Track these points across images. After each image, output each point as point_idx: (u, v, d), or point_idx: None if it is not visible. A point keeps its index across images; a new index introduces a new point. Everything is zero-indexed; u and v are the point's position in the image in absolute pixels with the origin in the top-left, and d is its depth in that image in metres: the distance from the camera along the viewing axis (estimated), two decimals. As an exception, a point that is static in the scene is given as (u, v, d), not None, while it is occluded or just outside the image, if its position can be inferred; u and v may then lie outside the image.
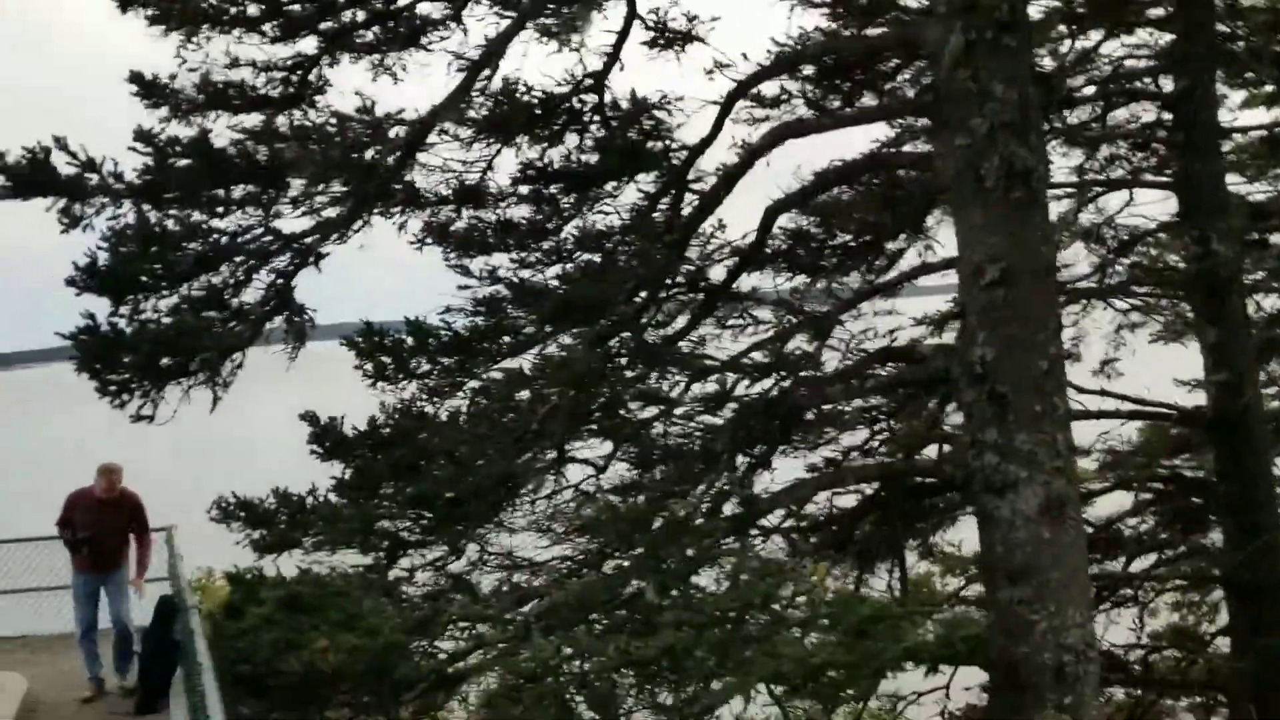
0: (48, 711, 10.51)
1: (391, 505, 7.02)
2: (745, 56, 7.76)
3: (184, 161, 6.37)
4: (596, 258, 8.91)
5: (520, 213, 9.40)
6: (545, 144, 8.92)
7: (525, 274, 8.30)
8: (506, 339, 8.52)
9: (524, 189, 9.13)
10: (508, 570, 7.51)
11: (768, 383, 7.03)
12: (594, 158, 8.74)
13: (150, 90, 7.32)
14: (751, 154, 7.20)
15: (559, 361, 6.71)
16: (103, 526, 10.70)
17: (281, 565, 9.14)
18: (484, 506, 6.62)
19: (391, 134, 6.86)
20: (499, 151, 8.46)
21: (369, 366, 8.23)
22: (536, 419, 6.74)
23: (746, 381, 6.94)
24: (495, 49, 7.17)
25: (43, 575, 14.54)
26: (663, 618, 5.22)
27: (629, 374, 7.11)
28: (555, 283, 8.77)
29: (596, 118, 8.57)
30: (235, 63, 7.29)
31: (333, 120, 6.88)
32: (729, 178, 7.44)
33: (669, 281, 7.68)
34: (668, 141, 7.91)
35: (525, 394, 7.15)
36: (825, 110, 7.96)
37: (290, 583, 6.55)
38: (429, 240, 9.17)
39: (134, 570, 10.94)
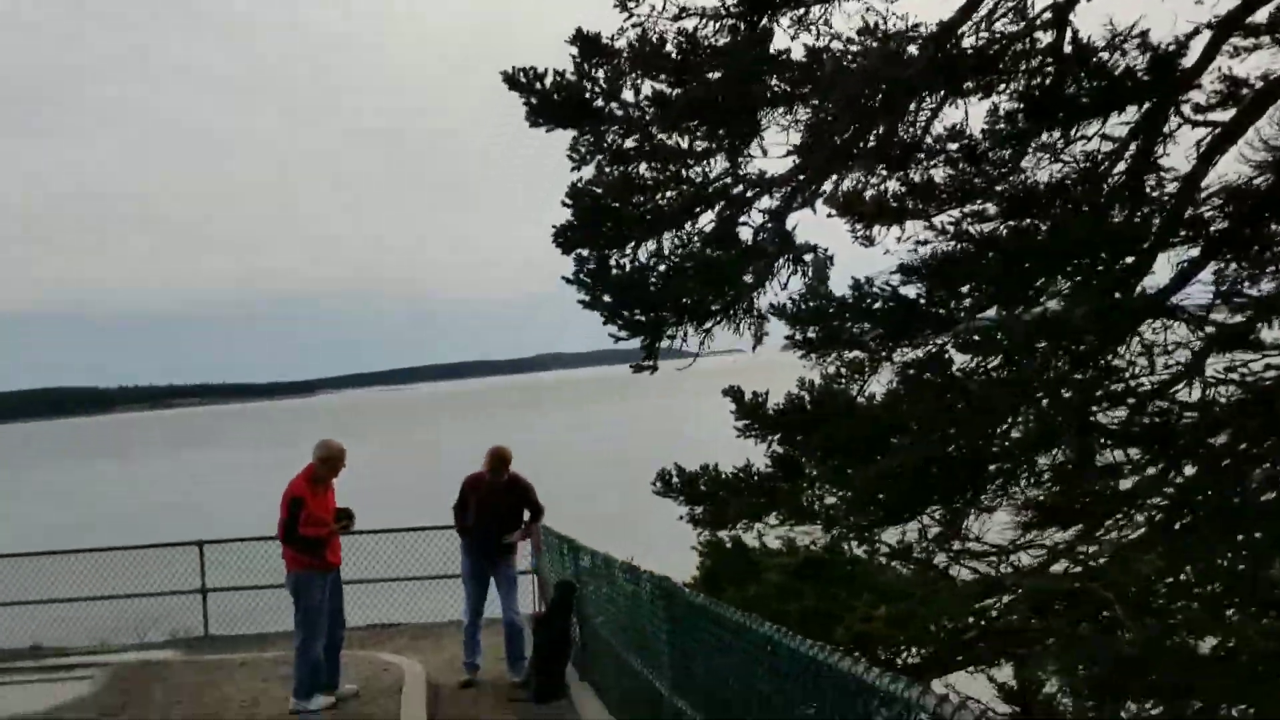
0: (447, 696, 10.66)
1: (854, 480, 6.42)
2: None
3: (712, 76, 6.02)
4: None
5: (939, 174, 8.70)
6: (980, 94, 8.18)
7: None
8: (943, 309, 7.79)
9: (952, 145, 8.40)
10: (973, 556, 6.73)
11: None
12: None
13: (592, 48, 7.09)
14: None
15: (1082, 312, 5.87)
16: (495, 509, 10.82)
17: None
18: (998, 473, 5.91)
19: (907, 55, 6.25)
20: (942, 102, 7.73)
21: (801, 336, 7.68)
22: (1047, 380, 5.95)
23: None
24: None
25: (415, 564, 15.12)
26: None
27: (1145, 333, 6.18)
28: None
29: (1050, 60, 7.71)
30: (682, 13, 6.92)
31: (839, 41, 6.33)
32: (1246, 113, 6.39)
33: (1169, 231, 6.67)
34: (1158, 73, 6.91)
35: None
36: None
37: (789, 552, 6.08)
38: (833, 213, 8.60)
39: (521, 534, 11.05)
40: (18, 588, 15.72)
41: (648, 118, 6.10)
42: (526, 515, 11.17)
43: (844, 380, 8.28)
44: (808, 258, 6.39)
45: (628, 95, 6.08)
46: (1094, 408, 5.98)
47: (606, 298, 6.08)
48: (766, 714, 4.36)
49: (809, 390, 8.21)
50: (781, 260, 6.36)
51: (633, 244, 6.25)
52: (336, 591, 10.45)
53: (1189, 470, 6.35)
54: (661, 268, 6.19)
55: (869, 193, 8.68)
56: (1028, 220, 8.15)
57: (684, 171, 6.27)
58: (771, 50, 6.56)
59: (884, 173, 8.28)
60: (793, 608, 5.21)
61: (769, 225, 6.32)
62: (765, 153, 6.41)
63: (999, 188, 8.06)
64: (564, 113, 6.09)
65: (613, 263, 6.24)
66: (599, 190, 6.39)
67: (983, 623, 5.54)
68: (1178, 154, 7.71)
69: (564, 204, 6.47)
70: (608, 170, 6.57)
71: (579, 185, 6.53)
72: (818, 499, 6.80)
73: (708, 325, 6.33)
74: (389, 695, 10.41)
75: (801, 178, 6.31)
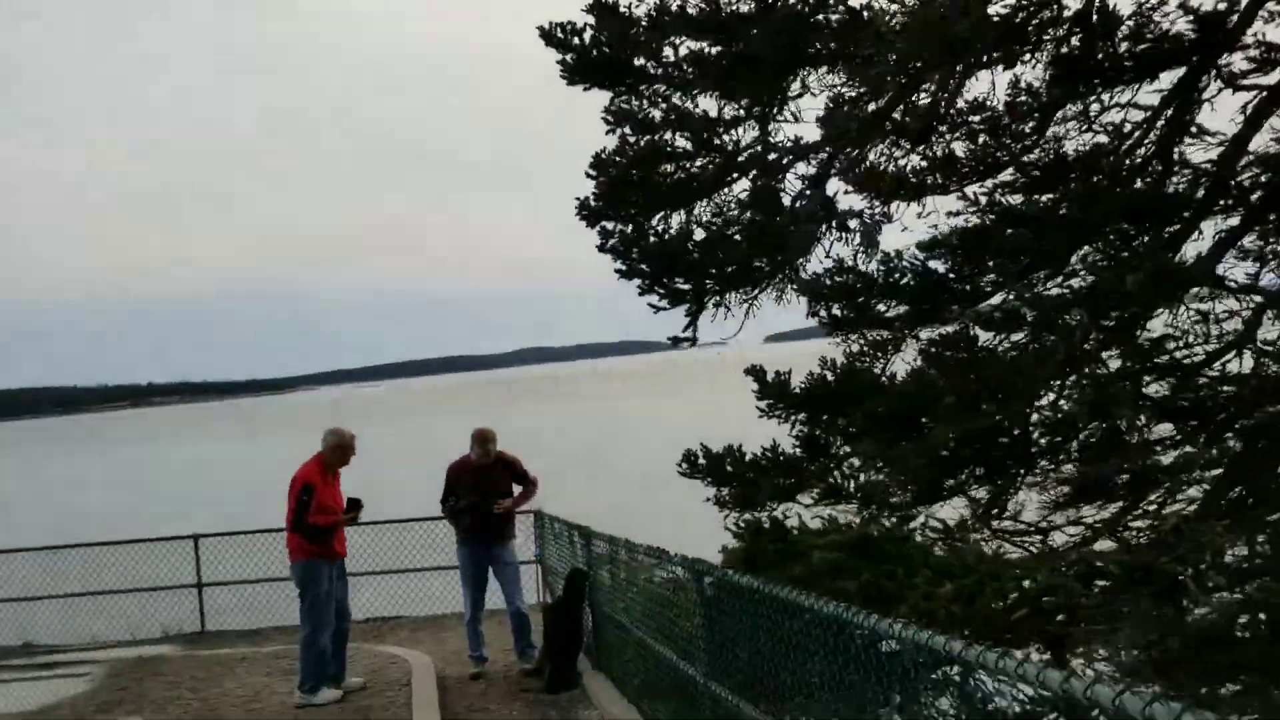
0: (455, 687, 10.40)
1: (892, 458, 6.22)
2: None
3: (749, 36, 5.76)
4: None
5: (960, 148, 8.51)
6: (1004, 64, 7.99)
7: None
8: (970, 284, 7.62)
9: (975, 118, 8.22)
10: (1009, 535, 6.55)
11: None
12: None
13: (609, 17, 6.83)
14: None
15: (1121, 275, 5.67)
16: (484, 491, 10.51)
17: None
18: (1049, 447, 5.72)
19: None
20: (966, 73, 7.53)
21: (825, 313, 7.49)
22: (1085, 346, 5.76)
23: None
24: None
25: (412, 556, 14.84)
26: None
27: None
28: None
29: (1076, 30, 7.53)
30: (700, -22, 6.67)
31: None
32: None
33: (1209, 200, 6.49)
34: (1204, 35, 6.71)
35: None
36: None
37: (835, 531, 5.87)
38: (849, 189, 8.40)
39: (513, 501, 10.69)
40: (7, 585, 15.37)
41: (689, 76, 5.85)
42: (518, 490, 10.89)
43: (867, 359, 8.09)
44: (853, 223, 6.17)
45: (667, 54, 5.82)
46: (1144, 379, 5.79)
47: (644, 266, 5.85)
48: (831, 696, 4.16)
49: (831, 369, 8.02)
50: (825, 226, 6.14)
51: (665, 213, 6.03)
52: (341, 583, 10.19)
53: (1232, 443, 6.19)
54: (699, 235, 5.97)
55: (889, 168, 8.50)
56: (1057, 192, 8.00)
57: (715, 139, 6.04)
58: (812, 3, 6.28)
59: (906, 145, 8.10)
60: (849, 586, 5.00)
61: (808, 192, 6.11)
62: (798, 118, 6.19)
63: (1028, 158, 7.87)
64: (601, 71, 5.84)
65: (649, 231, 6.01)
66: (623, 161, 6.15)
67: (1043, 600, 5.36)
68: (1215, 120, 7.56)
69: (587, 175, 6.23)
70: (632, 140, 6.33)
71: (603, 156, 6.29)
72: (850, 478, 6.61)
73: (754, 293, 6.10)
74: (396, 688, 10.16)
75: (830, 149, 6.07)
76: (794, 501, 6.74)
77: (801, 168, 6.24)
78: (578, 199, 6.18)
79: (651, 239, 5.96)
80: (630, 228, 6.02)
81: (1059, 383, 6.11)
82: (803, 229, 6.04)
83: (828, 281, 7.21)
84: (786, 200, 6.20)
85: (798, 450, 7.36)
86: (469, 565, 10.85)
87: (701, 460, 7.00)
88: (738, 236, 5.94)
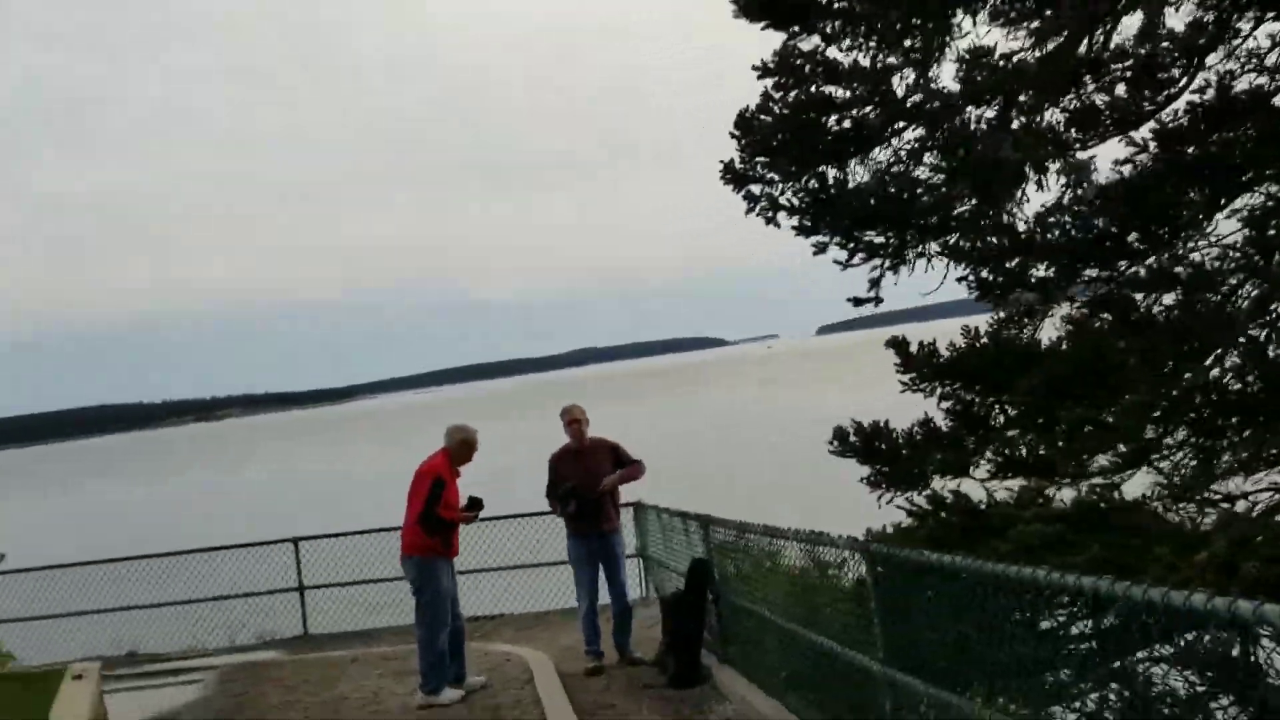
0: (573, 683, 10.09)
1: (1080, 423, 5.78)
2: None
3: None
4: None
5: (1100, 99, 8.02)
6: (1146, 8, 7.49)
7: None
8: (1124, 238, 7.14)
9: (1117, 66, 7.72)
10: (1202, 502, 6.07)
11: None
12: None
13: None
14: None
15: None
16: (586, 473, 10.22)
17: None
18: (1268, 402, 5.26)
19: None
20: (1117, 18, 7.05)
21: (974, 277, 7.05)
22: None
23: None
24: None
25: (513, 553, 14.58)
26: None
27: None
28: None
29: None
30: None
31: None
32: None
33: None
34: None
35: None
36: None
37: (1031, 504, 5.47)
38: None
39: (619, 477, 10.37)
40: (108, 595, 15.39)
41: (868, 13, 5.46)
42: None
43: (1014, 325, 7.65)
44: (1053, 165, 5.74)
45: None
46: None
47: (829, 220, 5.47)
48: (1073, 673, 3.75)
49: (975, 337, 7.59)
50: (1027, 168, 5.71)
51: (827, 166, 5.65)
52: (453, 582, 9.93)
53: None
54: (877, 185, 5.57)
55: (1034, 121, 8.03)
56: (1211, 140, 7.49)
57: (881, 86, 5.64)
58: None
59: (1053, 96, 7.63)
60: (1075, 560, 4.60)
61: (990, 136, 5.69)
62: (962, 60, 5.77)
63: (1181, 102, 7.38)
64: (780, 8, 5.46)
65: (830, 185, 5.63)
66: (769, 119, 5.77)
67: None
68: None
69: (731, 135, 5.87)
70: (778, 96, 5.95)
71: (747, 115, 5.91)
72: (1027, 446, 6.18)
73: (955, 242, 5.69)
74: (519, 685, 9.87)
75: (1009, 92, 5.63)
76: (967, 476, 6.33)
77: (973, 111, 5.83)
78: (722, 162, 5.83)
79: (832, 191, 5.58)
80: (786, 185, 5.64)
81: (1249, 336, 5.64)
82: (1005, 172, 5.62)
83: (978, 243, 6.77)
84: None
85: (952, 423, 6.94)
86: (582, 557, 10.56)
87: (853, 438, 6.60)
88: (936, 181, 5.54)
